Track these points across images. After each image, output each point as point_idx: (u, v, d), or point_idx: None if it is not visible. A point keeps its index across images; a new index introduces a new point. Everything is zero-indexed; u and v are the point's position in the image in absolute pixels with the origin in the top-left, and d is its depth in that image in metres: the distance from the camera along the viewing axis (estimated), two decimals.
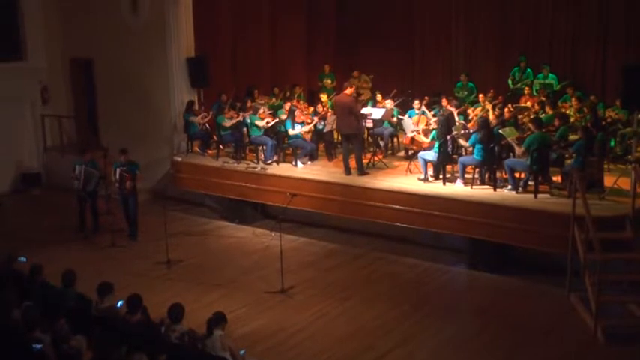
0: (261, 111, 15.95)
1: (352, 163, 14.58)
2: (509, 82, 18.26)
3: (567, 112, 15.43)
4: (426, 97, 16.70)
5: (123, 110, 17.91)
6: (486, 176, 13.66)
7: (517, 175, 13.26)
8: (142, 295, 8.77)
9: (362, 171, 14.49)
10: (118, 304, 8.86)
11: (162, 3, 16.95)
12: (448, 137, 13.87)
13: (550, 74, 17.66)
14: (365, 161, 15.01)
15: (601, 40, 17.76)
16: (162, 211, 13.85)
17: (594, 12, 17.84)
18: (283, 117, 15.95)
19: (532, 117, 14.53)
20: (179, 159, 16.72)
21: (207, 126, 16.81)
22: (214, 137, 16.74)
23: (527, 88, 17.33)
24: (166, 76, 17.16)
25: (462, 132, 14.15)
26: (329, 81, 19.86)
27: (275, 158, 15.74)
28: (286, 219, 13.48)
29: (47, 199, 17.97)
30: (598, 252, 10.32)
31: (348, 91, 14.46)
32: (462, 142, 14.04)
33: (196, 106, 17.05)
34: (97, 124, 18.99)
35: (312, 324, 10.92)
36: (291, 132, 15.51)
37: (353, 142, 14.52)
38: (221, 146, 16.52)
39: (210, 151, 16.79)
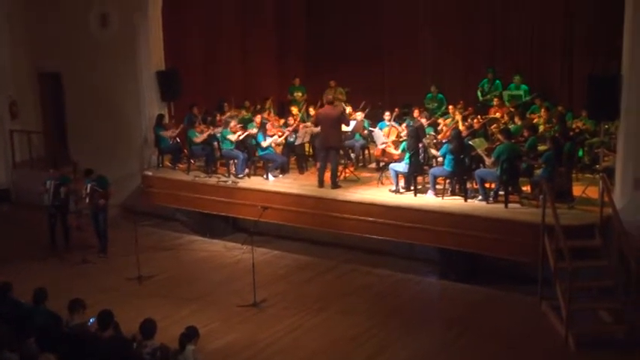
0: (232, 124, 15.93)
1: (325, 177, 14.59)
2: (479, 93, 18.37)
3: (536, 122, 15.56)
4: (397, 109, 16.75)
5: (92, 124, 17.76)
6: (457, 187, 13.71)
7: (487, 185, 13.33)
8: (113, 311, 8.70)
9: (335, 184, 14.49)
10: (90, 321, 8.78)
11: (132, 16, 16.88)
12: (420, 146, 13.90)
13: (522, 85, 17.75)
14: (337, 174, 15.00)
15: (567, 51, 17.93)
16: (132, 226, 13.76)
17: (560, 23, 18.00)
18: (254, 130, 15.93)
19: (501, 128, 14.65)
20: (150, 173, 16.61)
21: (178, 140, 16.74)
22: (185, 151, 16.68)
23: (496, 99, 17.44)
24: (136, 90, 17.07)
25: (434, 141, 14.21)
26: (299, 94, 19.90)
27: (246, 171, 15.70)
28: (258, 232, 13.49)
29: (16, 216, 17.74)
30: (568, 260, 10.41)
31: (333, 104, 14.57)
32: (432, 151, 14.06)
33: (166, 120, 17.02)
34: (67, 139, 18.80)
35: (285, 337, 10.89)
36: (264, 143, 15.48)
37: (331, 155, 14.54)
38: (192, 160, 16.45)
39: (181, 165, 16.72)
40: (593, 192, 12.81)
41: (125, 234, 14.41)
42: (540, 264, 11.52)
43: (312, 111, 17.49)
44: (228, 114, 17.24)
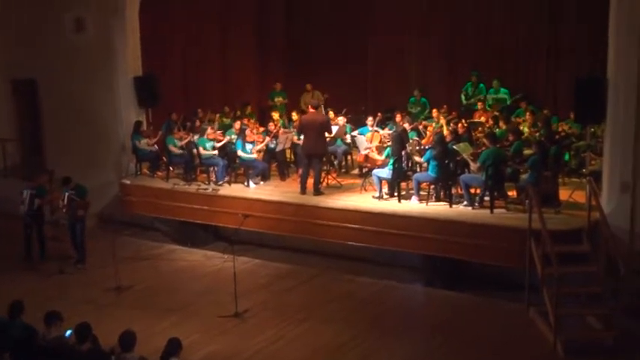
0: (209, 131, 15.86)
1: (308, 183, 14.57)
2: (462, 97, 18.42)
3: (521, 126, 15.61)
4: (379, 114, 16.77)
5: (69, 132, 17.59)
6: (442, 192, 13.73)
7: (472, 190, 13.37)
8: (91, 323, 8.61)
9: (318, 191, 14.46)
10: (67, 334, 8.69)
11: (108, 21, 16.76)
12: (403, 153, 13.91)
13: (502, 89, 17.87)
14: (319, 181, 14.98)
15: (552, 53, 18.02)
16: (110, 235, 13.69)
17: (544, 23, 18.09)
18: (234, 137, 15.89)
19: (486, 132, 14.67)
20: (128, 181, 16.51)
21: (156, 147, 16.66)
22: (163, 158, 16.59)
23: (480, 103, 17.52)
24: (113, 96, 16.96)
25: (417, 148, 14.23)
26: (280, 99, 19.88)
27: (226, 179, 15.65)
28: (239, 240, 13.48)
29: None
30: (555, 266, 10.43)
31: (317, 109, 14.54)
32: (416, 158, 14.09)
33: (144, 127, 16.95)
34: (43, 147, 18.61)
35: (267, 348, 10.84)
36: (240, 153, 15.46)
37: (314, 162, 14.51)
38: (171, 167, 16.40)
39: (159, 173, 16.64)
40: (579, 196, 12.92)
41: (103, 244, 14.28)
42: (527, 270, 11.53)
43: (294, 116, 17.48)
44: (208, 118, 17.16)
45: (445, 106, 17.33)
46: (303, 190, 14.52)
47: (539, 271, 11.12)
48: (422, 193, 13.78)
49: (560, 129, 15.47)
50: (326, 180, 15.24)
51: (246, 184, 15.45)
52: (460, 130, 14.80)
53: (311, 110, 14.79)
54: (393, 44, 20.32)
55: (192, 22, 19.73)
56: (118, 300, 12.81)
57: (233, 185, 15.56)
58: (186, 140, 15.97)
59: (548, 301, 10.78)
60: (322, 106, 18.84)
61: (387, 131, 15.80)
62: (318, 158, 14.53)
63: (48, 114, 18.26)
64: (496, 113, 16.72)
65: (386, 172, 14.00)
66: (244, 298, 12.25)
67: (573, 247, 11.53)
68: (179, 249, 15.54)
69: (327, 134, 15.00)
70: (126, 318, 11.56)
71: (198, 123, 16.80)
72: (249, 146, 15.57)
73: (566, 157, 14.93)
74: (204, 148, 15.65)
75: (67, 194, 14.07)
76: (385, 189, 14.11)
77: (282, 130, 16.33)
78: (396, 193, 13.92)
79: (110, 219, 15.30)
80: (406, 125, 15.38)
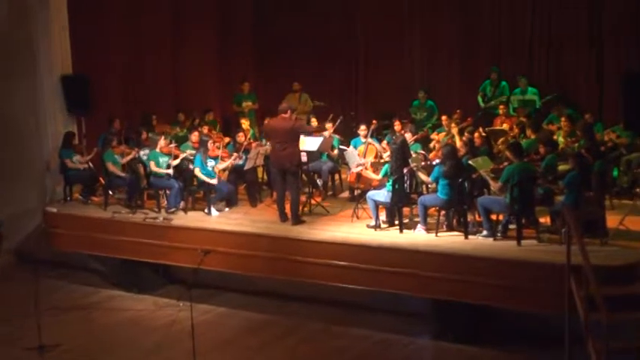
0: (161, 144, 15.76)
1: (286, 209, 14.62)
2: (480, 99, 18.57)
3: (555, 135, 15.66)
4: (374, 121, 16.81)
5: None
6: (454, 220, 13.74)
7: (494, 216, 13.35)
8: None
9: (297, 219, 14.50)
10: None
11: (28, 10, 16.81)
12: (405, 171, 13.84)
13: (529, 88, 17.96)
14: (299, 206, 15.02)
15: (595, 42, 18.11)
16: (31, 278, 13.53)
17: (583, 8, 18.17)
18: (191, 151, 15.86)
19: (510, 143, 14.69)
20: (54, 209, 16.49)
21: (91, 165, 16.64)
22: (101, 179, 16.57)
23: (502, 106, 17.62)
24: (36, 101, 16.99)
25: (423, 164, 14.19)
26: (249, 103, 19.95)
27: (182, 205, 15.67)
28: (198, 284, 13.28)
29: None
30: (603, 312, 10.24)
31: (287, 114, 14.60)
32: (422, 176, 14.06)
33: (76, 140, 16.95)
34: None
35: None
36: (199, 173, 15.42)
37: (289, 179, 14.50)
38: (110, 191, 16.37)
39: (95, 198, 16.66)
40: (633, 223, 12.91)
41: (21, 289, 14.33)
42: (566, 318, 11.37)
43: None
44: (161, 129, 17.28)
45: (458, 111, 17.42)
46: (284, 217, 14.60)
47: (582, 319, 10.96)
48: (429, 220, 13.76)
49: (605, 138, 15.51)
50: (308, 204, 15.21)
51: (206, 211, 15.45)
52: (477, 141, 14.89)
53: (282, 116, 14.66)
54: (390, 32, 20.36)
55: (137, 10, 19.78)
56: None
57: (190, 213, 15.59)
58: (130, 156, 15.94)
59: (595, 357, 10.60)
60: (310, 112, 18.93)
61: (384, 144, 15.83)
62: (292, 175, 14.52)
63: None
64: (522, 119, 16.79)
65: (384, 195, 13.96)
66: (205, 357, 12.15)
67: (625, 287, 11.43)
68: (121, 295, 15.52)
69: (308, 146, 15.09)
70: None
71: (144, 135, 16.68)
72: (211, 163, 15.55)
73: (615, 173, 14.99)
74: (157, 165, 15.60)
75: None
76: (383, 216, 14.11)
77: (253, 143, 16.29)
78: (396, 221, 13.91)
79: (31, 257, 15.18)
80: (408, 135, 15.43)
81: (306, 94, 19.73)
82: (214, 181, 15.37)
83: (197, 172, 15.43)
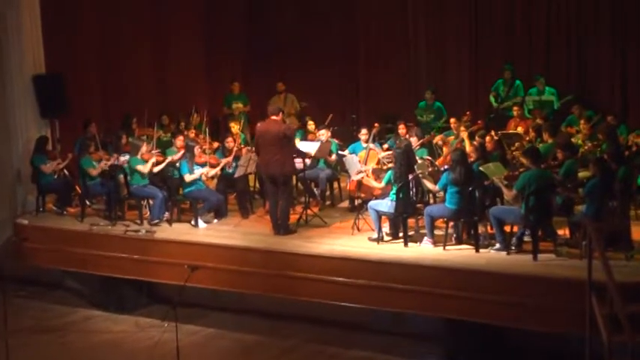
0: (143, 149, 15.73)
1: None
2: (492, 99, 18.59)
3: (574, 139, 15.66)
4: (376, 124, 16.85)
5: None
6: (464, 232, 13.74)
7: (507, 228, 13.35)
8: None
9: (287, 228, 14.55)
10: None
11: None
12: (410, 178, 13.81)
13: (547, 88, 17.98)
14: (294, 216, 15.09)
15: (618, 35, 18.14)
16: None
17: None
18: (176, 157, 15.84)
19: (525, 147, 14.66)
20: (25, 221, 16.45)
21: (67, 172, 16.64)
22: (77, 188, 16.58)
23: (516, 107, 17.63)
24: (5, 103, 16.99)
25: (430, 170, 14.17)
26: (240, 105, 19.99)
27: (166, 216, 15.67)
28: (184, 302, 13.20)
29: None
30: (627, 332, 10.20)
31: (278, 116, 14.65)
32: (428, 184, 14.08)
33: (50, 146, 16.95)
34: None
35: None
36: (188, 177, 15.38)
37: (281, 188, 14.54)
38: (87, 201, 16.38)
39: (71, 209, 16.64)
40: None
41: None
42: (587, 338, 11.31)
43: None
44: (142, 133, 17.33)
45: (468, 113, 17.35)
46: (277, 230, 14.60)
47: (604, 340, 10.90)
48: (437, 232, 13.74)
49: (630, 142, 15.50)
50: (304, 215, 15.23)
51: (193, 222, 15.45)
52: (489, 146, 14.90)
53: (272, 118, 14.68)
54: (393, 29, 20.40)
55: (115, 4, 19.81)
56: None
57: (175, 225, 15.59)
58: (109, 162, 15.91)
59: None
60: (296, 114, 18.92)
61: (386, 150, 15.79)
62: (283, 184, 14.58)
63: None
64: (539, 121, 16.73)
65: (387, 205, 13.93)
66: None
67: None
68: (99, 315, 15.51)
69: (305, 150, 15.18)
70: None
71: (124, 139, 16.62)
72: (198, 170, 15.52)
73: None
74: (139, 172, 15.55)
75: None
76: (386, 228, 14.12)
77: (244, 148, 16.31)
78: (401, 234, 13.89)
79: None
80: (414, 139, 15.50)
81: (291, 94, 19.79)
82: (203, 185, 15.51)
83: (187, 177, 15.39)
